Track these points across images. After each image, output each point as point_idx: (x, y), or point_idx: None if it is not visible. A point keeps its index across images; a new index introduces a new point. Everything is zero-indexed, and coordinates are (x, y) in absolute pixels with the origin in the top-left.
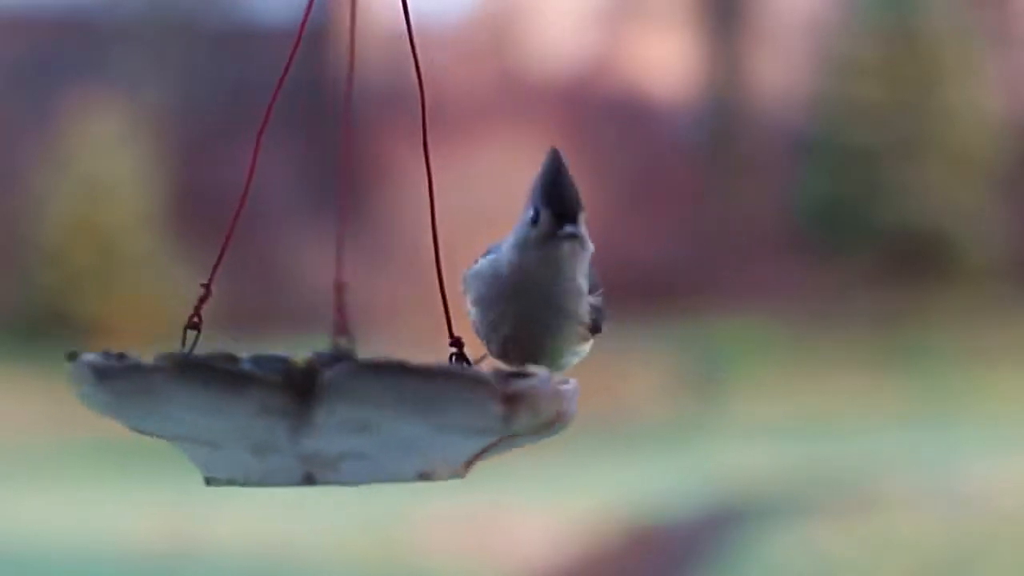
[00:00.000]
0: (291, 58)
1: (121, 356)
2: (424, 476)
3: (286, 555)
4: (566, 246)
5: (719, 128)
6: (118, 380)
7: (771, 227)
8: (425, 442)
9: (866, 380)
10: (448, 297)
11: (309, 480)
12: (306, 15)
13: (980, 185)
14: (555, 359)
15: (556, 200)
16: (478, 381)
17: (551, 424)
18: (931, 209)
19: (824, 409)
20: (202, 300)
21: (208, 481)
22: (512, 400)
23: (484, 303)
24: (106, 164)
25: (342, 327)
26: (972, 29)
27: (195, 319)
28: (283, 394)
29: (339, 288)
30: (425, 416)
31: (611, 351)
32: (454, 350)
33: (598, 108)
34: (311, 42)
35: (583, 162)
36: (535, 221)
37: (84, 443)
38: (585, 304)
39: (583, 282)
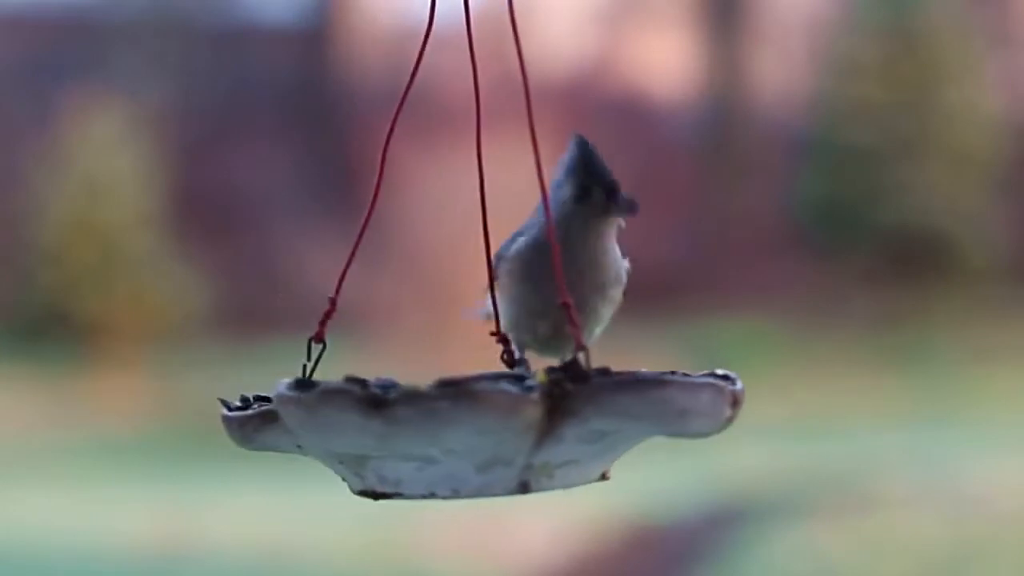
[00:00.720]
0: (417, 63)
1: (364, 383)
2: (603, 476)
3: (286, 555)
4: (625, 214)
5: (719, 128)
6: (399, 408)
7: (771, 227)
8: (630, 444)
9: (866, 380)
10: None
11: (523, 488)
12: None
13: (980, 185)
14: (598, 327)
15: (604, 176)
16: (710, 387)
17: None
18: (931, 209)
19: (824, 409)
20: (327, 314)
21: (369, 495)
22: (736, 402)
23: (531, 281)
24: (106, 164)
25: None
26: (972, 29)
27: (320, 333)
28: (539, 410)
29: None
30: (666, 423)
31: (611, 351)
32: (502, 348)
33: (598, 108)
34: (311, 42)
35: None
36: (583, 198)
37: (84, 443)
38: (624, 267)
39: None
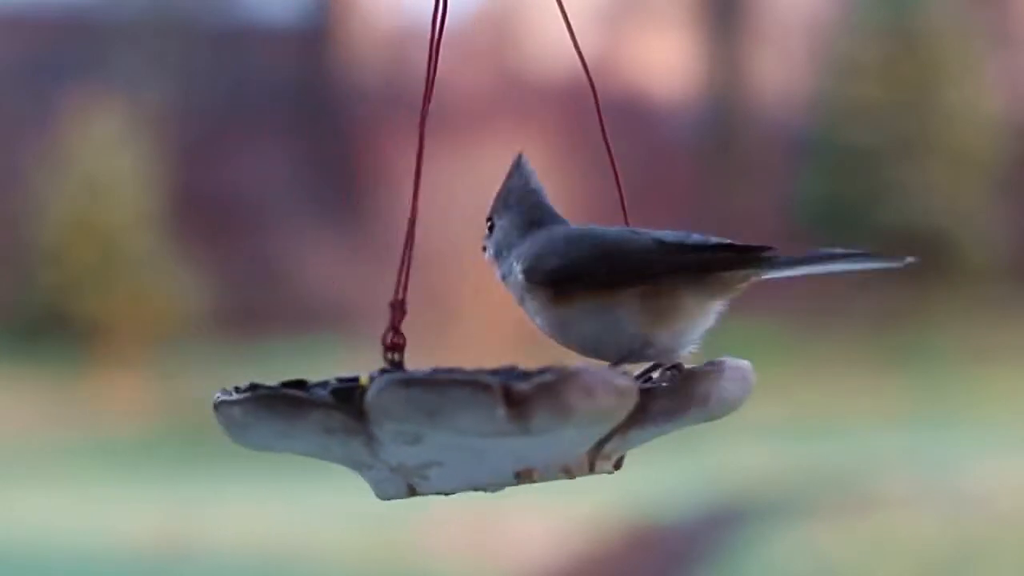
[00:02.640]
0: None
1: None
2: (522, 476)
3: (286, 555)
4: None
5: (719, 128)
6: (224, 412)
7: (771, 227)
8: (487, 447)
9: (866, 380)
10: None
11: (411, 491)
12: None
13: (980, 185)
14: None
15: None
16: (479, 384)
17: (611, 412)
18: (931, 209)
19: (824, 409)
20: (396, 319)
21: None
22: (515, 401)
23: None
24: (106, 164)
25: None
26: (972, 29)
27: (394, 337)
28: (333, 413)
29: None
30: (435, 425)
31: None
32: None
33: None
34: (311, 42)
35: (583, 162)
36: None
37: (84, 443)
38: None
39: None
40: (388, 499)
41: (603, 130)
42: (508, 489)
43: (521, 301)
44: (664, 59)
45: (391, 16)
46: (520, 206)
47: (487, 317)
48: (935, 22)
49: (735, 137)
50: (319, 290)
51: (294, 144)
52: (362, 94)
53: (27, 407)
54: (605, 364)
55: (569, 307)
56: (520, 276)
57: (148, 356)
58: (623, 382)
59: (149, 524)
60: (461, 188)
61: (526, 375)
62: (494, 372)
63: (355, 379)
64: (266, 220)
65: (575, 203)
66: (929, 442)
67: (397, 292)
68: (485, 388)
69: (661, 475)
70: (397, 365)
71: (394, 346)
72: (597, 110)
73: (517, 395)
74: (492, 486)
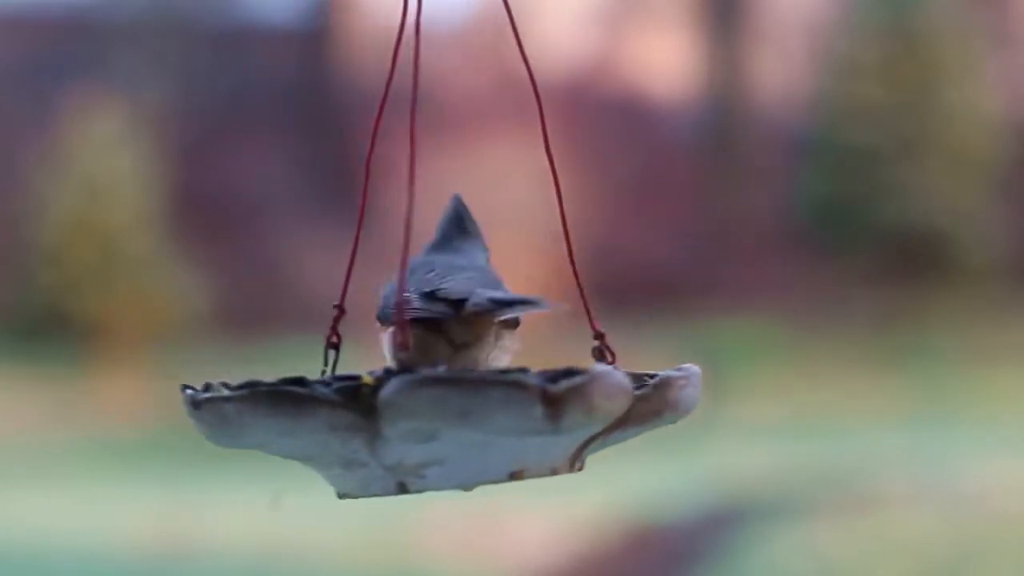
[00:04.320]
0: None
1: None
2: (515, 476)
3: (286, 555)
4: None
5: (719, 128)
6: (204, 412)
7: (771, 227)
8: (502, 445)
9: (866, 380)
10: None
11: (402, 489)
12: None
13: (980, 185)
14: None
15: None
16: (519, 384)
17: (614, 414)
18: (931, 209)
19: (824, 409)
20: (336, 320)
21: (340, 496)
22: (552, 401)
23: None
24: (106, 164)
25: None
26: (972, 29)
27: (333, 338)
28: (342, 412)
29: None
30: (475, 426)
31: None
32: (596, 343)
33: (598, 108)
34: (311, 42)
35: (583, 162)
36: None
37: (84, 443)
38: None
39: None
40: (366, 497)
41: (544, 135)
42: (508, 489)
43: None
44: (664, 59)
45: (391, 16)
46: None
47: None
48: (935, 22)
49: (735, 137)
50: (319, 290)
51: (294, 144)
52: (362, 94)
53: (27, 407)
54: (610, 368)
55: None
56: None
57: (148, 356)
58: (630, 386)
59: (149, 524)
60: (461, 188)
61: (550, 376)
62: (503, 372)
63: (354, 377)
64: (266, 220)
65: (575, 203)
66: (929, 442)
67: (343, 294)
68: (524, 388)
69: (661, 475)
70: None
71: (332, 345)
72: (540, 113)
73: (552, 395)
74: (482, 485)
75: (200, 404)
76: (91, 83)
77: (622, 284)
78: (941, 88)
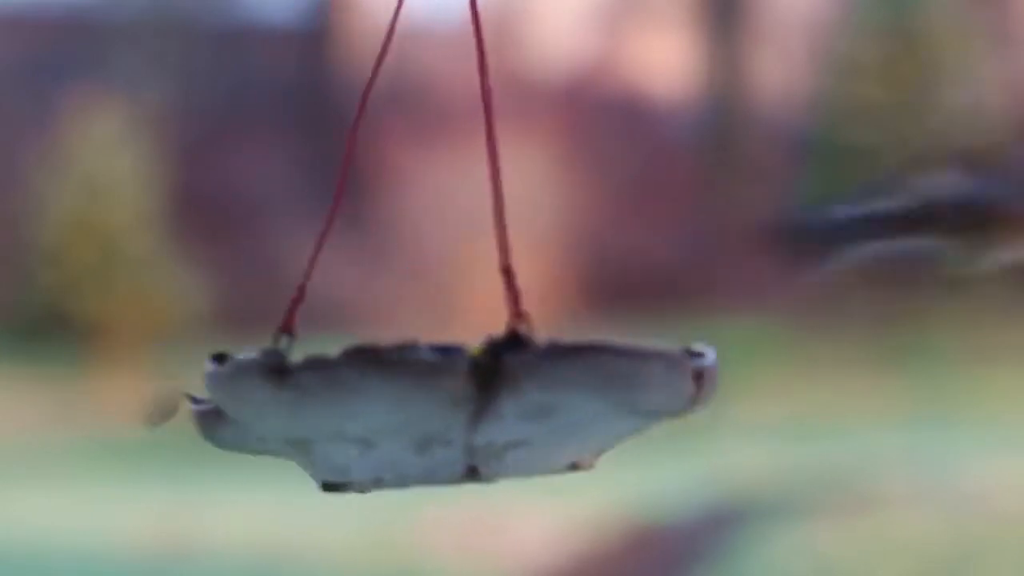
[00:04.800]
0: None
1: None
2: (574, 466)
3: (286, 555)
4: None
5: (719, 128)
6: (304, 375)
7: (771, 227)
8: (595, 428)
9: (866, 380)
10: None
11: (472, 473)
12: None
13: None
14: None
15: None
16: (660, 357)
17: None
18: None
19: (824, 409)
20: (295, 302)
21: (329, 487)
22: (701, 378)
23: None
24: (106, 164)
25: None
26: (972, 29)
27: (288, 323)
28: (465, 381)
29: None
30: (613, 394)
31: None
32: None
33: (598, 108)
34: (311, 42)
35: (583, 162)
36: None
37: (84, 443)
38: None
39: None
40: (381, 487)
41: (489, 130)
42: (508, 489)
43: None
44: (664, 59)
45: (391, 16)
46: None
47: (486, 317)
48: (935, 22)
49: (735, 137)
50: (320, 290)
51: (294, 144)
52: (362, 94)
53: (27, 407)
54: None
55: None
56: None
57: (148, 356)
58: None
59: (149, 524)
60: (461, 188)
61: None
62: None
63: (452, 348)
64: (266, 220)
65: (575, 203)
66: (929, 442)
67: (307, 277)
68: (678, 363)
69: (661, 475)
70: (515, 335)
71: (286, 330)
72: (487, 109)
73: (698, 373)
74: (546, 473)
75: (285, 371)
76: (91, 83)
77: (622, 284)
78: (941, 88)
